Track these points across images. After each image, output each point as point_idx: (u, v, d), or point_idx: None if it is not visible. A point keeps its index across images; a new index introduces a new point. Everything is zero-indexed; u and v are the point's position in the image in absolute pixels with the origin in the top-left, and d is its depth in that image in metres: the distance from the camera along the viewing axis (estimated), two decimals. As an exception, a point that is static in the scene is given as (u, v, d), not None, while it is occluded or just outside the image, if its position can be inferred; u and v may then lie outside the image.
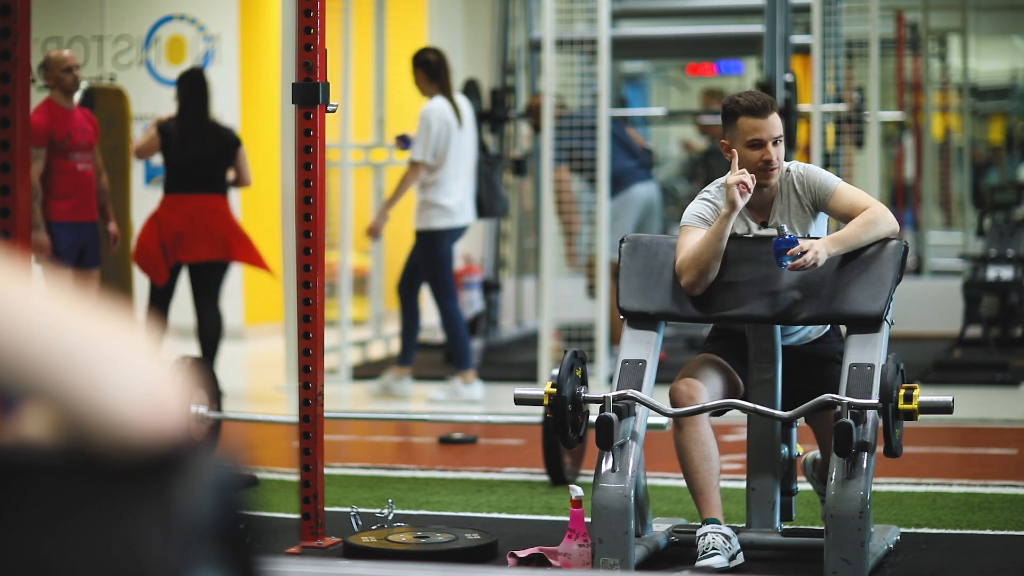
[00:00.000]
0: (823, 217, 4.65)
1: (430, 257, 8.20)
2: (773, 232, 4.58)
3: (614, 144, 9.17)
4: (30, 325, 0.97)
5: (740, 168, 4.54)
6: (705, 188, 4.72)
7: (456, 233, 8.25)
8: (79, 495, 0.96)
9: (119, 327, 1.00)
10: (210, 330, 7.93)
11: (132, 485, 0.96)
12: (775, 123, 4.53)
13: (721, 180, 4.68)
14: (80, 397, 0.96)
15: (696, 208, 4.65)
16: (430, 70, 8.15)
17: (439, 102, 8.15)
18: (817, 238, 4.60)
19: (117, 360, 0.98)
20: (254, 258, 7.94)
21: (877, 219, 4.51)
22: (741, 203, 4.46)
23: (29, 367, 0.96)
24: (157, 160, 8.55)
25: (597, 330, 8.74)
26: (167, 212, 7.78)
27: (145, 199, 10.66)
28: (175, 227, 7.73)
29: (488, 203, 8.59)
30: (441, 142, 8.12)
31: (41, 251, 7.28)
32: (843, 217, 4.55)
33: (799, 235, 4.56)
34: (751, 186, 4.48)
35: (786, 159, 4.66)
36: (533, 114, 9.28)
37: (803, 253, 4.40)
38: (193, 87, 7.82)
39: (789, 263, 4.42)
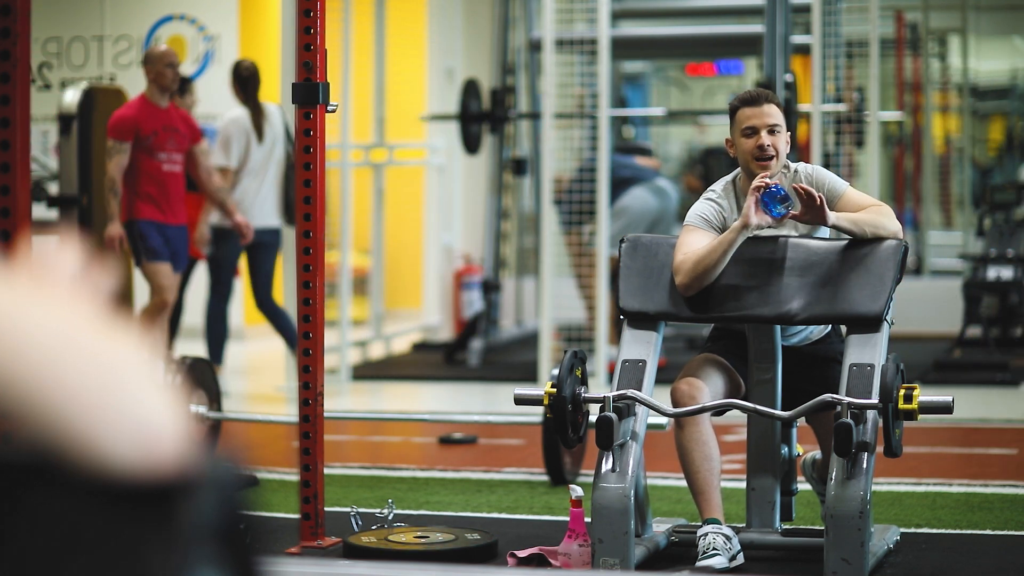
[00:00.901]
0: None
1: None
2: (774, 233, 4.59)
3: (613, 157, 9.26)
4: (30, 343, 0.96)
5: (740, 163, 4.56)
6: (710, 188, 4.72)
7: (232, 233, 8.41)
8: (83, 514, 0.96)
9: (122, 343, 0.99)
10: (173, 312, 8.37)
11: (136, 504, 0.96)
12: (771, 112, 4.53)
13: (726, 179, 4.69)
14: (83, 418, 0.96)
15: (700, 208, 4.65)
16: (239, 81, 8.42)
17: (238, 112, 8.42)
18: (825, 238, 4.61)
19: (121, 379, 0.97)
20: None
21: (884, 215, 4.52)
22: (755, 221, 4.45)
23: (30, 386, 0.95)
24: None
25: (597, 330, 8.74)
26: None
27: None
28: None
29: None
30: (240, 150, 8.39)
31: (112, 243, 7.29)
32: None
33: (805, 234, 4.58)
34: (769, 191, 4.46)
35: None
36: (558, 190, 9.28)
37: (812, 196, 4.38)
38: None
39: (784, 212, 4.41)
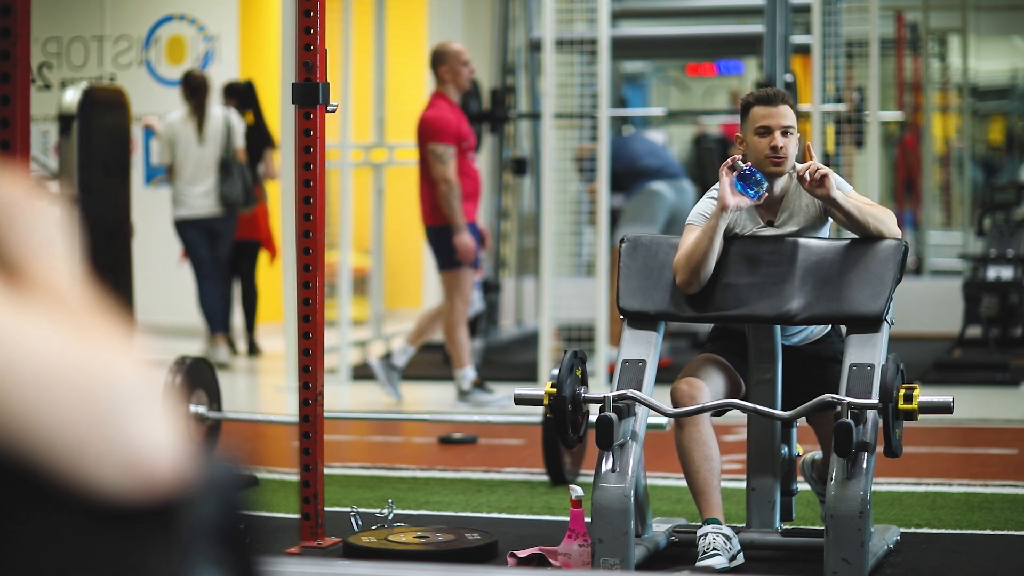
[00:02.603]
0: (829, 221, 4.65)
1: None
2: (774, 232, 4.59)
3: (630, 153, 9.25)
4: (19, 367, 0.95)
5: (747, 160, 4.55)
6: (713, 186, 4.71)
7: (189, 224, 9.57)
8: (79, 533, 0.96)
9: (120, 355, 0.98)
10: (248, 300, 10.17)
11: (132, 523, 0.96)
12: (785, 113, 4.53)
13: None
14: (71, 444, 0.95)
15: (702, 207, 4.65)
16: (188, 90, 9.54)
17: (172, 116, 9.63)
18: (825, 238, 4.61)
19: (111, 403, 0.96)
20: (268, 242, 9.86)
21: (883, 213, 4.53)
22: (732, 202, 4.46)
23: (18, 410, 0.94)
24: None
25: (597, 330, 8.73)
26: None
27: (145, 199, 10.67)
28: None
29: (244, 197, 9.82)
30: (170, 150, 9.56)
31: (467, 253, 7.47)
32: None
33: (806, 234, 4.58)
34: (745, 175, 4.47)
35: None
36: (580, 161, 9.33)
37: (811, 166, 4.39)
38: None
39: (760, 194, 4.43)
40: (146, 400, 0.97)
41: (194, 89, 9.51)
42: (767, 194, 4.51)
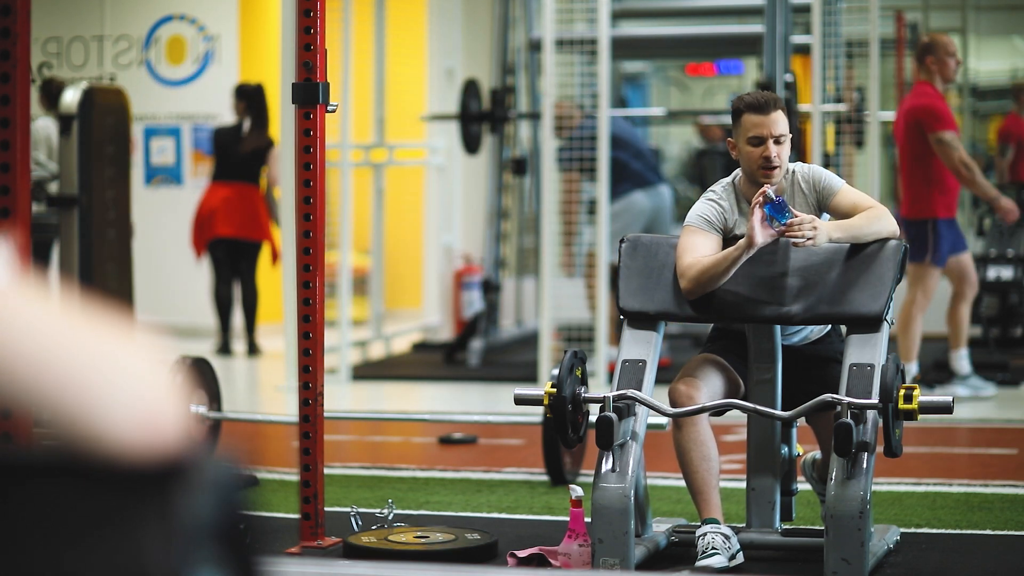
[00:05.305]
0: (825, 218, 4.65)
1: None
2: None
3: (620, 144, 9.16)
4: (32, 337, 0.96)
5: (743, 168, 4.55)
6: (711, 188, 4.71)
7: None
8: (82, 503, 0.96)
9: (120, 336, 1.00)
10: (248, 300, 10.29)
11: (134, 494, 0.96)
12: (777, 120, 4.51)
13: (726, 180, 4.68)
14: (82, 408, 0.96)
15: (700, 209, 4.64)
16: (49, 96, 9.53)
17: (43, 121, 9.62)
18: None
19: (118, 370, 0.98)
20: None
21: (880, 216, 4.52)
22: (761, 240, 4.44)
23: (31, 379, 0.96)
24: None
25: (597, 330, 8.73)
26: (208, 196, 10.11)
27: (145, 199, 10.67)
28: (211, 207, 10.05)
29: None
30: (44, 151, 9.69)
31: (1010, 212, 7.87)
32: (845, 216, 4.55)
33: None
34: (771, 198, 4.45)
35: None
36: (560, 121, 9.25)
37: (801, 225, 4.40)
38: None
39: (786, 221, 4.41)
40: (148, 367, 0.99)
41: (55, 96, 9.56)
42: (791, 219, 4.48)
